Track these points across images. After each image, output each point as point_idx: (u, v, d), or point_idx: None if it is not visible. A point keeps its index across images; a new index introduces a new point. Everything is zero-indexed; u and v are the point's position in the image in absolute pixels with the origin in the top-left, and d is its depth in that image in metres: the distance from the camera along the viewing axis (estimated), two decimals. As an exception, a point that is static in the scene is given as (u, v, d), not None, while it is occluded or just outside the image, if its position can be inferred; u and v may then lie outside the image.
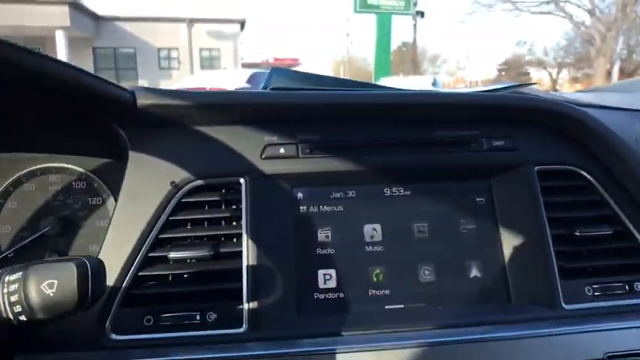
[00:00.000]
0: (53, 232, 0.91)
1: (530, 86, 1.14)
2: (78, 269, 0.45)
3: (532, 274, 0.78)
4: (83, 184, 0.95)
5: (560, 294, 0.77)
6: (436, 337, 0.70)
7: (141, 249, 0.73)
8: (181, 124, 0.79)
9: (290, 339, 0.70)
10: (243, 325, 0.71)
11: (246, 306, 0.71)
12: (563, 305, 0.77)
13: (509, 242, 0.81)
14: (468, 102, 0.81)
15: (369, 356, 0.68)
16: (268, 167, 0.78)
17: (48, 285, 0.45)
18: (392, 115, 0.82)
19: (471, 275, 0.79)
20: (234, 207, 0.78)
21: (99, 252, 0.73)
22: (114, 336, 0.70)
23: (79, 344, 0.68)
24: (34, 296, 0.45)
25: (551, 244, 0.79)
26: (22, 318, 0.45)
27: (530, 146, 0.84)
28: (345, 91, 0.84)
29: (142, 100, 0.75)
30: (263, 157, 0.78)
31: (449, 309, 0.77)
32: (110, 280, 0.71)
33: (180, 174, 0.76)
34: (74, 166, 0.95)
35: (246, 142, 0.79)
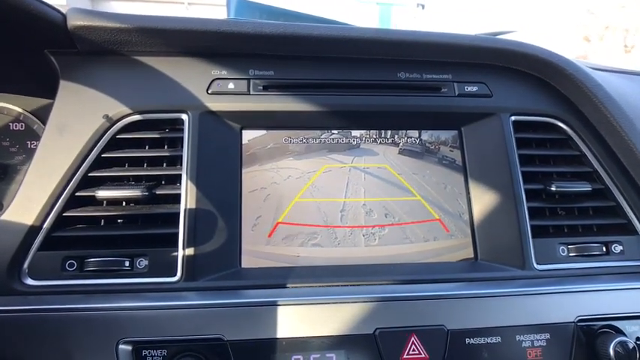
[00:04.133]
0: (-14, 177, 0.83)
1: (509, 33, 1.07)
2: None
3: (502, 231, 0.72)
4: (21, 126, 0.87)
5: (532, 253, 0.70)
6: (392, 293, 0.63)
7: (66, 187, 0.65)
8: (119, 53, 0.71)
9: (229, 289, 0.63)
10: (177, 274, 0.63)
11: (181, 253, 0.64)
12: (535, 265, 0.70)
13: (478, 197, 0.74)
14: (437, 41, 0.73)
15: (317, 310, 0.61)
16: (215, 104, 0.70)
17: None
18: (354, 52, 0.74)
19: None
20: (176, 146, 0.70)
21: (18, 189, 0.65)
22: (30, 281, 0.62)
23: None
24: None
25: (524, 200, 0.72)
26: None
27: (506, 94, 0.77)
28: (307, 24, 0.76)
29: (74, 22, 0.67)
30: (209, 92, 0.71)
31: (408, 265, 0.70)
32: (29, 220, 0.63)
33: (115, 107, 0.68)
34: (11, 105, 0.87)
35: (191, 75, 0.71)
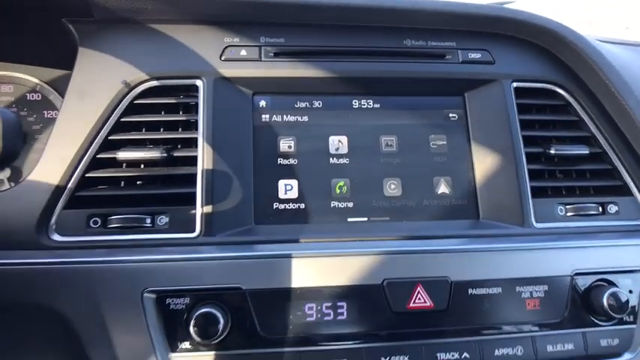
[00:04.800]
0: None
1: (510, 3, 1.09)
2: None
3: (503, 192, 0.75)
4: (38, 96, 0.90)
5: (532, 212, 0.74)
6: (400, 247, 0.67)
7: (88, 150, 0.68)
8: (135, 21, 0.73)
9: (245, 244, 0.67)
10: (197, 230, 0.67)
11: (199, 211, 0.67)
12: (534, 223, 0.74)
13: (481, 159, 0.77)
14: (442, 9, 0.75)
15: (328, 262, 0.64)
16: (228, 70, 0.73)
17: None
18: (362, 20, 0.77)
19: (439, 191, 0.76)
20: (191, 111, 0.73)
21: (42, 152, 0.68)
22: (57, 237, 0.66)
23: (18, 244, 0.64)
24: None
25: (524, 162, 0.75)
26: None
27: (508, 61, 0.80)
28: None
29: (92, -10, 0.69)
30: (223, 58, 0.73)
31: (414, 223, 0.73)
32: (54, 180, 0.67)
33: (132, 72, 0.71)
34: (28, 76, 0.90)
35: (205, 43, 0.74)
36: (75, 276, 0.62)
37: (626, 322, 0.69)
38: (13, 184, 0.87)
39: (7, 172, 0.88)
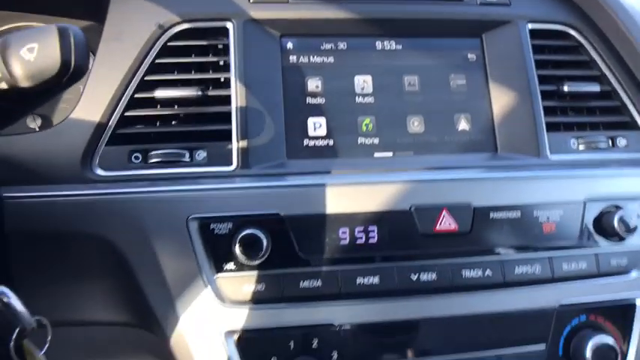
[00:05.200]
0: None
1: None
2: (60, 32, 0.44)
3: (520, 127, 0.79)
4: None
5: (547, 145, 0.78)
6: (425, 176, 0.72)
7: (126, 90, 0.71)
8: (165, -35, 0.75)
9: (281, 175, 0.71)
10: (233, 163, 0.71)
11: (235, 145, 0.71)
12: (549, 155, 0.78)
13: (498, 97, 0.81)
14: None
15: (359, 190, 0.69)
16: (257, 12, 0.76)
17: (28, 50, 0.43)
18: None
19: (460, 128, 0.80)
20: (222, 53, 0.76)
21: (82, 92, 0.71)
22: (101, 171, 0.69)
23: (64, 178, 0.68)
24: (13, 62, 0.43)
25: (540, 99, 0.79)
26: (3, 86, 0.44)
27: (524, 3, 0.83)
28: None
29: None
30: (251, 1, 0.76)
31: (437, 156, 0.77)
32: (95, 118, 0.70)
33: (165, 15, 0.73)
34: (53, 27, 0.91)
35: (234, -15, 0.76)
36: (121, 205, 0.66)
37: (634, 243, 0.75)
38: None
39: (38, 122, 0.90)
